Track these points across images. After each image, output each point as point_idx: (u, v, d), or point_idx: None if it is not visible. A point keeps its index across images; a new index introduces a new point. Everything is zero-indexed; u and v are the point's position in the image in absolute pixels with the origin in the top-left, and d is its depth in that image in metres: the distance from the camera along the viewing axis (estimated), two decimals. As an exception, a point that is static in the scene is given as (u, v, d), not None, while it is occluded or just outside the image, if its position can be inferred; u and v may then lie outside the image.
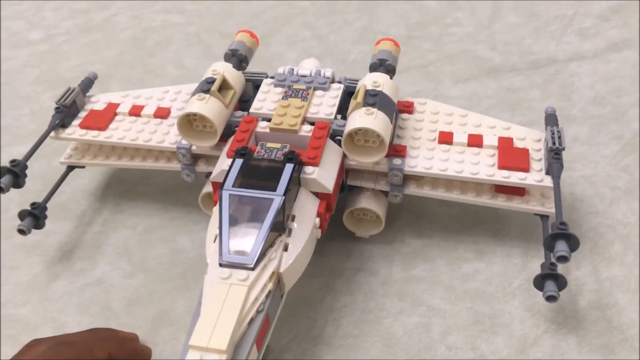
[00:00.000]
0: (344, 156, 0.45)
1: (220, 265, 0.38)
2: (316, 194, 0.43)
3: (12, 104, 0.67)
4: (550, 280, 0.41)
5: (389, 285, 0.47)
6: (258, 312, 0.37)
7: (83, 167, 0.54)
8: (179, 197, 0.55)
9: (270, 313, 0.38)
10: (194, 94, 0.46)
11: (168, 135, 0.50)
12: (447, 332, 0.44)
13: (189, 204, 0.54)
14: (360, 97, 0.44)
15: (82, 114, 0.52)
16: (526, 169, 0.45)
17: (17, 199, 0.55)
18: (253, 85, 0.51)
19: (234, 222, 0.39)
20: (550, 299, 0.40)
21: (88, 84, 0.54)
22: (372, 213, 0.48)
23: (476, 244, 0.49)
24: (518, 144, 0.47)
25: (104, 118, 0.51)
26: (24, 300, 0.48)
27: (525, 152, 0.46)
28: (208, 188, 0.50)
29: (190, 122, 0.46)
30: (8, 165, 0.47)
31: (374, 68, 0.49)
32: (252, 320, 0.36)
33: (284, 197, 0.39)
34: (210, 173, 0.50)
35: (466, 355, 0.42)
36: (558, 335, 0.43)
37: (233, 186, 0.40)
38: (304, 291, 0.46)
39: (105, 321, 0.46)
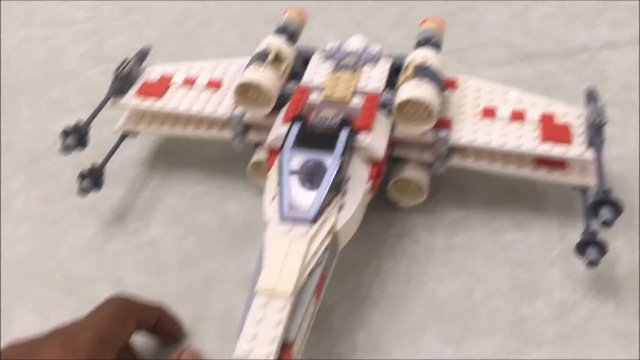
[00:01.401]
0: (392, 129, 0.47)
1: (281, 221, 0.40)
2: (368, 161, 0.45)
3: (60, 79, 0.69)
4: (591, 246, 0.43)
5: (431, 253, 0.49)
6: (317, 264, 0.39)
7: (136, 135, 0.56)
8: (225, 167, 0.57)
9: (327, 268, 0.40)
10: (249, 64, 0.48)
11: (221, 105, 0.52)
12: (488, 296, 0.46)
13: (235, 173, 0.56)
14: (410, 71, 0.46)
15: (138, 84, 0.54)
16: (568, 143, 0.46)
17: (71, 165, 0.58)
18: (302, 60, 0.53)
19: (293, 181, 0.41)
20: (591, 264, 0.42)
21: (143, 55, 0.56)
22: (416, 183, 0.50)
23: (515, 216, 0.51)
24: (560, 119, 0.49)
25: (159, 87, 0.53)
26: (82, 258, 0.51)
27: (566, 127, 0.48)
28: (257, 157, 0.52)
29: (246, 91, 0.48)
30: (72, 127, 0.49)
31: (420, 45, 0.51)
32: (311, 272, 0.38)
33: (341, 159, 0.41)
34: (258, 143, 0.53)
35: (508, 318, 0.44)
36: (597, 300, 0.45)
37: (292, 148, 0.42)
38: (350, 256, 0.48)
39: (160, 278, 0.49)
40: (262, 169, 0.53)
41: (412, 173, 0.50)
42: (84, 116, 0.52)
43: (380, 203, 0.52)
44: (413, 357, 0.43)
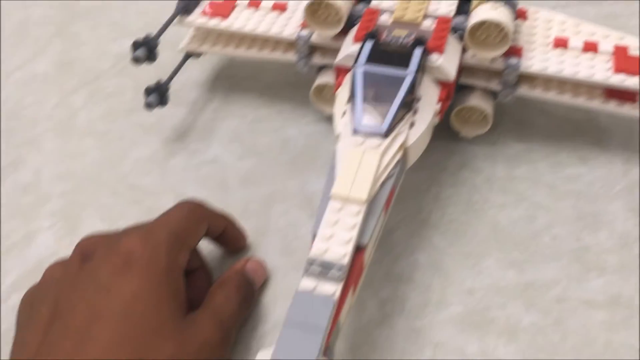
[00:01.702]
0: (462, 52, 0.47)
1: (354, 133, 0.40)
2: (437, 83, 0.45)
3: (119, 4, 0.69)
4: (661, 177, 0.42)
5: (493, 182, 0.49)
6: (388, 177, 0.39)
7: (199, 55, 0.56)
8: (285, 93, 0.57)
9: (396, 183, 0.40)
10: (320, -16, 0.48)
11: (287, 27, 0.52)
12: (551, 225, 0.46)
13: (295, 99, 0.56)
14: (485, -6, 0.46)
15: (204, 3, 0.54)
16: (642, 74, 0.46)
17: (132, 85, 0.58)
18: (370, -16, 0.53)
19: (367, 96, 0.41)
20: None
21: (208, -25, 0.56)
22: (480, 112, 0.50)
23: (578, 151, 0.51)
24: (633, 52, 0.48)
25: (225, 8, 0.53)
26: (146, 172, 0.52)
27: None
28: (320, 80, 0.52)
29: (315, 11, 0.48)
30: (142, 39, 0.49)
31: (492, -28, 0.50)
32: (383, 183, 0.39)
33: (414, 75, 0.41)
34: (322, 67, 0.52)
35: (571, 246, 0.44)
36: (661, 233, 0.45)
37: (365, 64, 0.42)
38: (411, 181, 0.49)
39: (221, 194, 0.49)
40: (324, 93, 0.53)
41: (477, 101, 0.49)
42: (145, 38, 0.53)
43: (442, 133, 0.52)
44: (474, 278, 0.43)
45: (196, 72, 0.60)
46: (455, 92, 0.50)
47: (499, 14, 0.44)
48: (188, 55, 0.56)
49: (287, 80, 0.56)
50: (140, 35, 0.50)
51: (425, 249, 0.45)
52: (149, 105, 0.50)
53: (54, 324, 0.34)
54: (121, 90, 0.59)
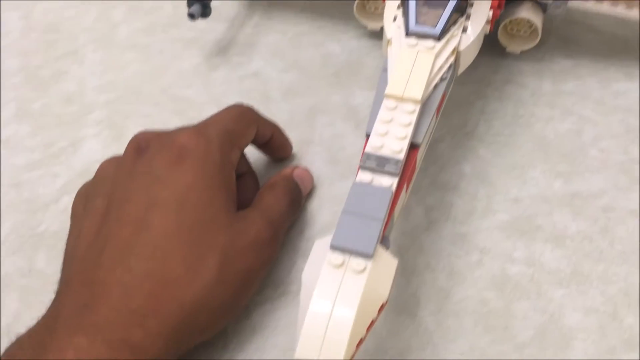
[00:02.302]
0: (513, -39, 0.46)
1: (408, 34, 0.39)
2: (489, -10, 0.44)
3: None
4: None
5: (539, 97, 0.49)
6: (442, 79, 0.38)
7: (240, -32, 0.55)
8: (325, 10, 0.56)
9: (447, 88, 0.40)
10: None
11: (332, -64, 0.50)
12: (598, 138, 0.45)
13: (335, 16, 0.55)
14: None
15: None
16: (702, -16, 0.44)
17: (170, 2, 0.58)
18: None
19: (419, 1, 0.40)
20: None
21: None
22: (529, 25, 0.49)
23: (626, 67, 0.50)
24: (692, -38, 0.46)
25: None
26: (188, 84, 0.52)
27: (700, -32, 0.45)
28: (363, -6, 0.51)
29: None
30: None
31: None
32: (436, 86, 0.38)
33: (469, -21, 0.40)
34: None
35: (619, 158, 0.44)
36: None
37: (418, -34, 0.41)
38: (457, 95, 0.48)
39: (265, 105, 0.49)
40: (367, 8, 0.52)
41: (527, 13, 0.48)
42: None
43: (489, 49, 0.51)
44: (520, 188, 0.43)
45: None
46: (505, 4, 0.49)
47: None
48: (229, -33, 0.55)
49: (325, -3, 0.56)
50: None
51: (471, 159, 0.45)
52: (191, 16, 0.50)
53: (110, 214, 0.35)
54: (160, 5, 0.58)
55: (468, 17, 0.41)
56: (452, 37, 0.40)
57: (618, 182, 0.43)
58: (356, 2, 0.52)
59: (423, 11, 0.40)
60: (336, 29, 0.55)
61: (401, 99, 0.36)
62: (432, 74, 0.38)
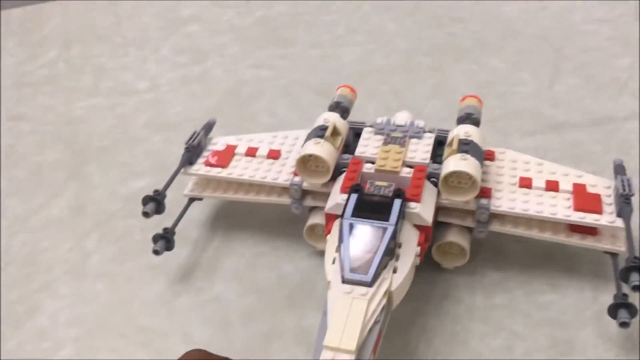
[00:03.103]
0: (437, 195, 0.53)
1: (343, 282, 0.45)
2: (417, 227, 0.50)
3: (127, 145, 0.76)
4: (623, 308, 0.47)
5: (473, 312, 0.53)
6: (375, 322, 0.43)
7: (201, 199, 0.62)
8: (280, 230, 0.62)
9: (382, 326, 0.45)
10: (309, 138, 0.54)
11: (281, 173, 0.57)
12: (528, 353, 0.50)
13: (289, 235, 0.61)
14: (455, 145, 0.52)
15: (206, 154, 0.61)
16: (599, 212, 0.51)
17: (140, 226, 0.64)
18: (354, 133, 0.59)
19: (354, 246, 0.46)
20: (623, 325, 0.46)
21: (209, 127, 0.63)
22: (458, 246, 0.55)
23: (550, 278, 0.55)
24: (590, 189, 0.53)
25: (225, 157, 0.59)
26: (154, 312, 0.56)
27: (597, 196, 0.52)
28: (312, 221, 0.57)
29: (306, 163, 0.54)
30: (152, 194, 0.55)
31: (461, 121, 0.56)
32: (370, 330, 0.43)
33: (395, 226, 0.46)
34: (314, 207, 0.58)
35: (547, 374, 0.48)
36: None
37: (352, 216, 0.47)
38: (398, 314, 0.52)
39: (224, 332, 0.53)
40: (316, 231, 0.58)
41: (455, 237, 0.54)
42: (150, 178, 0.58)
43: (426, 264, 0.56)
44: (460, 409, 0.47)
45: (197, 211, 0.65)
46: (435, 228, 0.56)
47: (467, 165, 0.50)
48: (192, 200, 0.61)
49: (282, 217, 0.62)
50: (146, 175, 0.55)
51: (414, 381, 0.49)
52: (157, 253, 0.55)
53: None
54: (130, 231, 0.64)
55: (398, 258, 0.47)
56: (383, 280, 0.45)
57: (549, 398, 0.47)
58: (305, 227, 0.58)
59: (357, 257, 0.46)
60: (290, 248, 0.61)
61: (337, 350, 0.41)
62: (366, 320, 0.43)
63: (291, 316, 0.54)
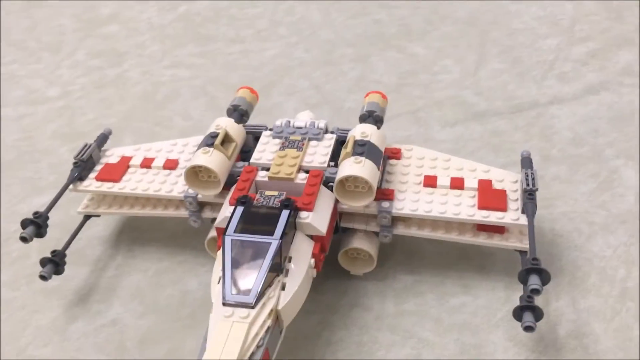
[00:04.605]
0: (337, 201, 0.50)
1: (224, 304, 0.41)
2: (311, 237, 0.47)
3: (32, 158, 0.72)
4: (527, 311, 0.44)
5: (382, 320, 0.51)
6: (258, 346, 0.40)
7: (98, 215, 0.58)
8: (187, 242, 0.59)
9: (270, 347, 0.42)
10: (199, 147, 0.51)
11: (176, 185, 0.54)
12: (435, 362, 0.47)
13: (196, 247, 0.58)
14: (349, 147, 0.49)
15: (98, 167, 0.57)
16: (504, 209, 0.48)
17: (37, 246, 0.60)
18: (253, 137, 0.56)
19: (235, 264, 0.43)
20: (527, 329, 0.43)
21: (103, 139, 0.59)
22: (365, 252, 0.52)
23: (463, 278, 0.53)
24: (496, 185, 0.51)
25: (118, 171, 0.56)
26: (45, 342, 0.52)
27: (503, 193, 0.50)
28: (213, 233, 0.54)
29: (197, 173, 0.51)
30: (31, 217, 0.51)
31: (363, 119, 0.54)
32: (252, 354, 0.40)
33: (280, 241, 0.43)
34: (215, 219, 0.54)
35: (453, 384, 0.46)
36: (538, 363, 0.46)
37: (235, 232, 0.44)
38: (303, 327, 0.50)
39: (120, 357, 0.50)
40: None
41: (360, 242, 0.52)
42: (53, 194, 0.54)
43: (334, 272, 0.54)
44: None
45: (101, 227, 0.61)
46: (340, 233, 0.53)
47: (361, 168, 0.47)
48: (87, 217, 0.58)
49: (188, 229, 0.58)
50: (49, 191, 0.51)
51: (316, 400, 0.46)
52: (43, 278, 0.51)
53: None
54: (26, 253, 0.60)
55: (287, 272, 0.44)
56: (269, 299, 0.42)
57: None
58: (207, 239, 0.55)
59: (240, 276, 0.43)
60: (196, 261, 0.57)
61: (212, 380, 0.38)
62: (246, 346, 0.40)
63: (192, 336, 0.51)
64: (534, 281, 0.42)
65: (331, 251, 0.51)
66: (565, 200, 0.58)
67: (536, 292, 0.42)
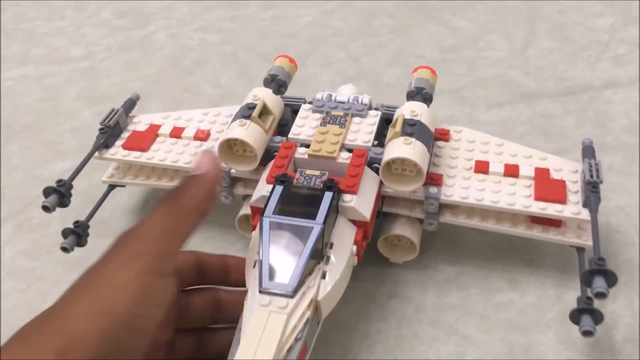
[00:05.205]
0: (381, 184, 0.46)
1: (260, 292, 0.38)
2: (353, 222, 0.44)
3: (54, 121, 0.69)
4: (586, 314, 0.40)
5: (423, 313, 0.48)
6: (296, 340, 0.37)
7: (124, 186, 0.55)
8: (214, 218, 0.55)
9: (308, 340, 0.39)
10: (234, 119, 0.47)
11: (208, 158, 0.51)
12: (480, 362, 0.44)
13: (224, 224, 0.55)
14: (398, 127, 0.45)
15: (125, 135, 0.54)
16: (563, 201, 0.45)
17: (59, 215, 0.57)
18: (291, 109, 0.52)
19: (274, 249, 0.40)
20: (586, 333, 0.40)
21: (131, 104, 0.56)
22: (407, 240, 0.49)
23: (510, 273, 0.49)
24: (555, 175, 0.47)
25: (146, 139, 0.52)
26: (65, 316, 0.50)
27: (562, 183, 0.46)
28: (245, 210, 0.51)
29: (231, 147, 0.47)
30: (54, 185, 0.48)
31: (411, 96, 0.50)
32: (290, 348, 0.37)
33: (323, 226, 0.40)
34: (247, 195, 0.51)
35: (500, 386, 0.43)
36: (593, 369, 0.43)
37: (273, 213, 0.41)
38: (339, 317, 0.47)
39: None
40: (250, 222, 0.51)
41: (402, 229, 0.48)
42: (76, 160, 0.52)
43: (372, 259, 0.50)
44: None
45: (126, 196, 0.58)
46: (381, 218, 0.49)
47: (411, 150, 0.43)
48: (112, 187, 0.55)
49: (218, 204, 0.55)
50: (71, 156, 0.48)
51: (351, 395, 0.43)
52: (65, 250, 0.49)
53: None
54: (47, 222, 0.57)
55: (328, 260, 0.41)
56: (308, 288, 0.39)
57: (500, 415, 0.41)
58: (238, 216, 0.51)
59: (279, 262, 0.39)
60: (224, 239, 0.54)
61: (249, 373, 0.35)
62: (284, 338, 0.36)
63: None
64: (600, 284, 0.38)
65: (371, 236, 0.48)
66: (620, 194, 0.54)
67: (602, 295, 0.38)
